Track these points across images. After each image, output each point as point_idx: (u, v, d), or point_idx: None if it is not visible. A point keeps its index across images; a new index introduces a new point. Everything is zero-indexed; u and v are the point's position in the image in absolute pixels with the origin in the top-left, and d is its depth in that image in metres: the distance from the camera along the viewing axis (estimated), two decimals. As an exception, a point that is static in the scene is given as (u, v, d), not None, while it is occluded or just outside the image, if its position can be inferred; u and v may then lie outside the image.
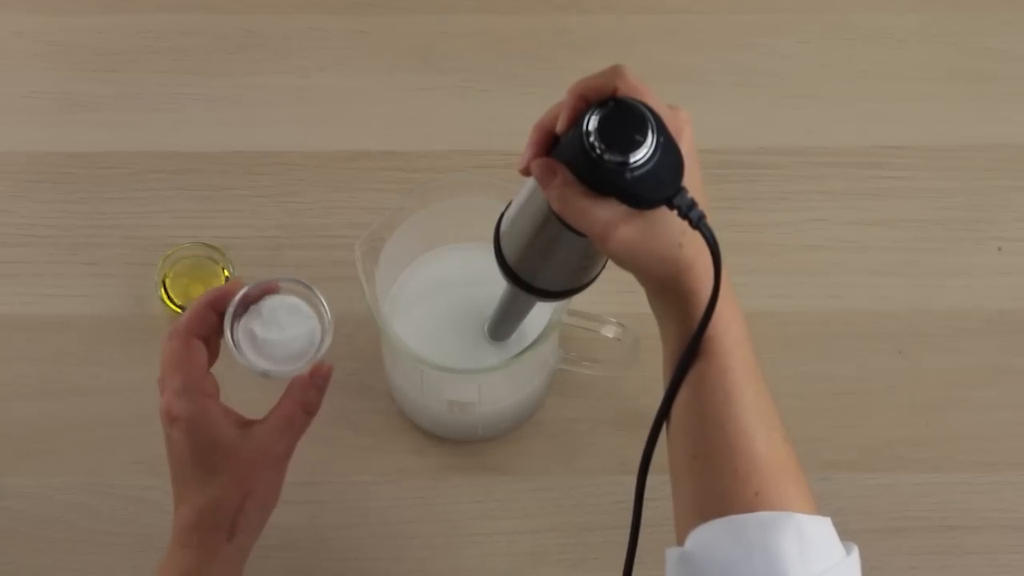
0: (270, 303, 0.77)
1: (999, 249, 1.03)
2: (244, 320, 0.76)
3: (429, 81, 1.09)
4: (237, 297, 0.76)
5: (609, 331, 0.89)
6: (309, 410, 0.77)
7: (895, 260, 1.02)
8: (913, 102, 1.09)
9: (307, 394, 0.77)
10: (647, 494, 0.70)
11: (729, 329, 0.67)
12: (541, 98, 0.67)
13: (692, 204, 0.63)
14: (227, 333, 0.75)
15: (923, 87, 1.10)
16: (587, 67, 0.66)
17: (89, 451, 0.94)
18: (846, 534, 0.66)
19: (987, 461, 0.95)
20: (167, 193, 1.03)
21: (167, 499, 0.76)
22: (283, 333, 0.76)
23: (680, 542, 0.66)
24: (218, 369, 0.77)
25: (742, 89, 1.10)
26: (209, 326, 0.76)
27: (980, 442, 0.96)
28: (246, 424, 0.75)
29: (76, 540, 0.91)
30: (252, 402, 0.77)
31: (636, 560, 0.71)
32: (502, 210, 0.73)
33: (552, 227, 0.67)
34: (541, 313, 0.85)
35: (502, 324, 0.86)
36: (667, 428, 0.69)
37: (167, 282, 0.98)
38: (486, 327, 0.88)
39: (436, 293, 0.94)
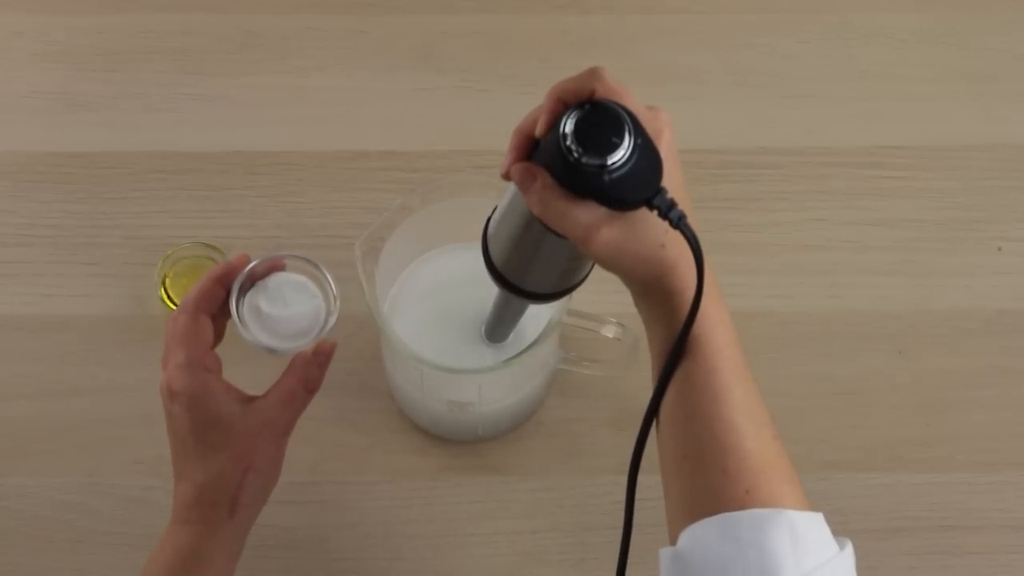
0: (276, 279, 0.77)
1: (999, 249, 1.03)
2: (250, 295, 0.76)
3: (429, 81, 1.09)
4: (244, 272, 0.76)
5: (609, 331, 0.89)
6: (310, 387, 0.77)
7: (895, 260, 1.02)
8: (913, 102, 1.09)
9: (308, 371, 0.77)
10: (645, 495, 0.70)
11: (715, 328, 0.67)
12: (541, 98, 0.67)
13: (672, 204, 0.62)
14: (232, 307, 0.76)
15: (923, 87, 1.10)
16: (586, 67, 0.66)
17: (89, 451, 0.94)
18: (845, 534, 0.66)
19: (987, 461, 0.95)
20: (167, 193, 1.03)
21: (167, 499, 0.76)
22: (287, 310, 0.77)
23: (673, 542, 0.66)
24: (225, 350, 0.77)
25: (742, 89, 1.10)
26: (217, 301, 0.76)
27: (980, 442, 0.95)
28: (247, 400, 0.75)
29: (76, 540, 0.91)
30: (260, 384, 0.77)
31: (633, 561, 0.71)
32: (489, 214, 0.73)
33: (536, 230, 0.67)
34: (540, 313, 0.85)
35: (497, 327, 0.86)
36: (656, 429, 0.69)
37: (167, 282, 0.98)
38: (482, 330, 0.88)
39: (436, 293, 0.94)
